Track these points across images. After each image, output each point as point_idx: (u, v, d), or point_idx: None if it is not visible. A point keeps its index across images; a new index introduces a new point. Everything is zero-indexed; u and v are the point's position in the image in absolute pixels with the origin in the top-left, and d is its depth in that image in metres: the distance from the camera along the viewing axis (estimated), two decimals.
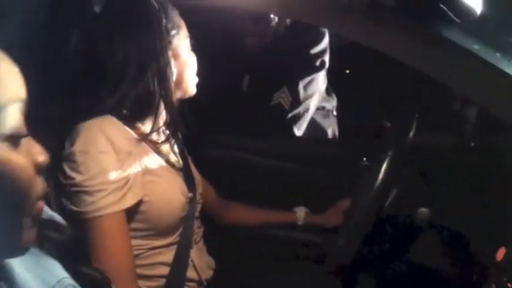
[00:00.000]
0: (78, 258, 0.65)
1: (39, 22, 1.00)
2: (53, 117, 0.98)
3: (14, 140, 0.50)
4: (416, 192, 1.09)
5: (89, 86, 0.98)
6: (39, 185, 0.53)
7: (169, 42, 1.01)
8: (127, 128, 0.99)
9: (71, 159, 0.92)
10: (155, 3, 0.99)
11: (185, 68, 1.06)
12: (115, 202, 0.91)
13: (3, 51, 0.54)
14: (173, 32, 1.02)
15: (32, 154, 0.52)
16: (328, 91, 1.88)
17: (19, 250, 0.54)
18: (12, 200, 0.50)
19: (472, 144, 1.39)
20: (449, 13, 0.84)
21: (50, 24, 1.01)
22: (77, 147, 0.92)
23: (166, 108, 1.03)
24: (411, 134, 1.06)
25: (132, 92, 0.97)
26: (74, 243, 0.66)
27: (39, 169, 0.53)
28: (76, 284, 0.59)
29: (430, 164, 1.18)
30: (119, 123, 0.97)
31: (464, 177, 1.08)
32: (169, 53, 1.00)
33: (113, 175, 0.91)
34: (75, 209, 0.91)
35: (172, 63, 1.02)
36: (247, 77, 1.69)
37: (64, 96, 0.99)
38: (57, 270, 0.58)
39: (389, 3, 0.94)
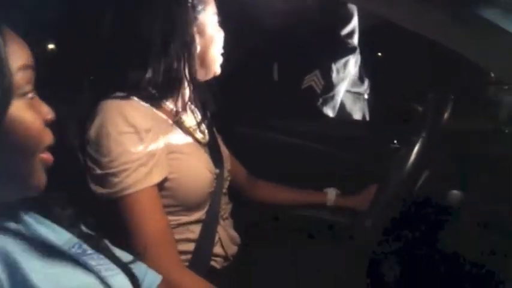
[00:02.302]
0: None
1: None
2: (78, 96, 0.99)
3: (25, 98, 0.62)
4: (448, 175, 1.08)
5: (113, 64, 0.99)
6: (48, 135, 0.64)
7: (195, 18, 1.00)
8: (149, 106, 0.99)
9: (93, 142, 0.93)
10: None
11: (210, 45, 1.05)
12: (140, 179, 0.92)
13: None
14: (200, 7, 1.02)
15: (42, 112, 0.64)
16: (361, 75, 1.86)
17: (33, 188, 0.64)
18: (26, 146, 0.61)
19: (507, 130, 1.35)
20: None
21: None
22: (98, 129, 0.93)
23: (189, 85, 1.03)
24: (445, 115, 1.04)
25: (156, 68, 0.97)
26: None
27: (47, 123, 0.65)
28: (80, 241, 0.69)
29: (463, 148, 1.15)
30: (139, 103, 0.97)
31: (498, 161, 1.06)
32: (194, 29, 1.00)
33: (135, 153, 0.92)
34: (104, 190, 0.92)
35: (197, 39, 1.01)
36: (277, 64, 1.68)
37: (88, 75, 1.00)
38: (63, 231, 0.68)
39: None
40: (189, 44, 0.99)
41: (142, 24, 0.96)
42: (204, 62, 1.05)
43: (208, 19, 1.05)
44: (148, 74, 0.98)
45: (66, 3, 1.02)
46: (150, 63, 0.98)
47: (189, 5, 0.99)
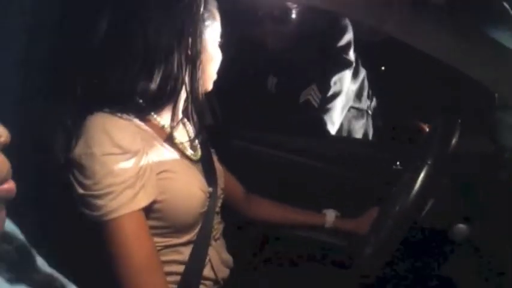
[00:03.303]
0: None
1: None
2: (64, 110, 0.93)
3: None
4: (455, 206, 1.02)
5: (104, 74, 0.92)
6: (4, 163, 0.49)
7: (202, 32, 0.96)
8: (138, 123, 0.94)
9: (77, 163, 0.87)
10: None
11: (209, 62, 1.01)
12: (126, 203, 0.86)
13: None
14: (207, 22, 0.98)
15: None
16: (365, 90, 1.82)
17: None
18: None
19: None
20: (511, 11, 0.77)
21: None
22: (82, 149, 0.87)
23: (191, 97, 0.98)
24: (453, 142, 0.99)
25: (154, 77, 0.91)
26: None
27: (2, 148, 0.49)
28: None
29: (469, 175, 1.10)
30: (127, 120, 0.91)
31: (506, 192, 1.01)
32: (201, 42, 0.96)
33: (121, 176, 0.86)
34: (89, 213, 0.87)
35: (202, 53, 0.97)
36: (273, 78, 1.67)
37: (75, 86, 0.94)
38: None
39: (438, 0, 0.88)
40: (195, 56, 0.95)
41: (149, 28, 0.91)
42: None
43: (212, 36, 1.01)
44: (143, 84, 0.92)
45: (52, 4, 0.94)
46: (148, 72, 0.92)
47: (200, 16, 0.95)
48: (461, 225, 0.97)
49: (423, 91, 2.00)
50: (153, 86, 0.92)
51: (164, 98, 0.96)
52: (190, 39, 0.93)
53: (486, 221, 0.99)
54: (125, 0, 0.92)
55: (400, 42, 0.91)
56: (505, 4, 0.76)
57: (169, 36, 0.91)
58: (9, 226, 0.59)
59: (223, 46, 1.06)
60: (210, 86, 1.06)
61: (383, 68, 2.28)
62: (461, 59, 0.89)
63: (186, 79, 0.95)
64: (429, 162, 0.95)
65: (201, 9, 0.95)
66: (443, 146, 0.99)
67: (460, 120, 1.06)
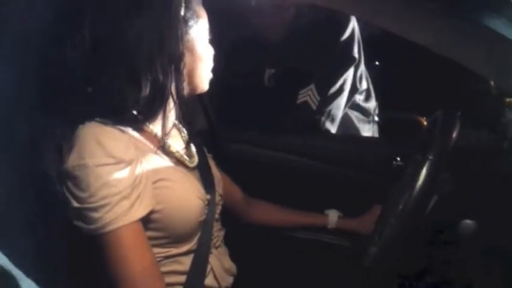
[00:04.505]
0: None
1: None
2: (54, 121, 0.90)
3: None
4: (460, 201, 1.00)
5: (91, 83, 0.89)
6: None
7: (186, 32, 0.93)
8: (131, 133, 0.91)
9: (70, 175, 0.85)
10: None
11: (199, 62, 0.98)
12: (123, 214, 0.83)
13: None
14: (191, 22, 0.95)
15: None
16: (372, 90, 1.77)
17: None
18: None
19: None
20: None
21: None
22: (75, 161, 0.84)
23: (175, 103, 0.95)
24: (454, 135, 0.97)
25: (141, 86, 0.89)
26: None
27: None
28: None
29: (471, 168, 1.08)
30: (120, 129, 0.89)
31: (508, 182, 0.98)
32: (184, 44, 0.92)
33: (116, 186, 0.83)
34: (85, 226, 0.84)
35: (186, 55, 0.93)
36: (271, 71, 1.61)
37: (61, 97, 0.91)
38: None
39: None
40: (178, 59, 0.92)
41: (128, 35, 0.88)
42: (190, 80, 0.98)
43: (199, 35, 0.98)
44: (132, 94, 0.89)
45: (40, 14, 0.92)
46: (135, 81, 0.89)
47: (181, 17, 0.92)
48: (467, 221, 0.95)
49: (419, 84, 1.99)
50: (143, 94, 0.89)
51: (155, 105, 0.93)
52: (171, 43, 0.90)
53: (493, 214, 0.97)
54: (102, 9, 0.89)
55: (394, 35, 0.88)
56: None
57: (149, 41, 0.88)
58: None
59: (217, 42, 1.03)
60: (205, 87, 1.03)
61: (377, 62, 2.27)
62: (456, 49, 0.87)
63: (172, 84, 0.93)
64: (430, 157, 0.93)
65: (181, 9, 0.91)
66: (445, 140, 0.97)
67: (459, 113, 1.04)
